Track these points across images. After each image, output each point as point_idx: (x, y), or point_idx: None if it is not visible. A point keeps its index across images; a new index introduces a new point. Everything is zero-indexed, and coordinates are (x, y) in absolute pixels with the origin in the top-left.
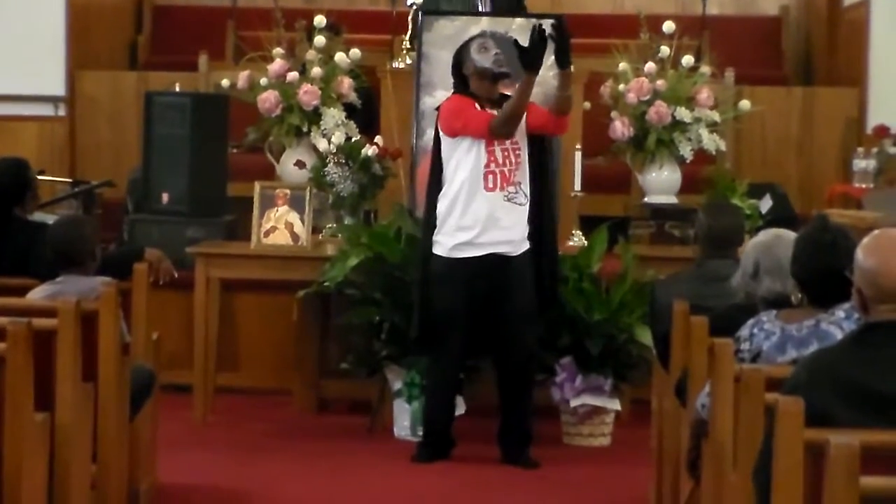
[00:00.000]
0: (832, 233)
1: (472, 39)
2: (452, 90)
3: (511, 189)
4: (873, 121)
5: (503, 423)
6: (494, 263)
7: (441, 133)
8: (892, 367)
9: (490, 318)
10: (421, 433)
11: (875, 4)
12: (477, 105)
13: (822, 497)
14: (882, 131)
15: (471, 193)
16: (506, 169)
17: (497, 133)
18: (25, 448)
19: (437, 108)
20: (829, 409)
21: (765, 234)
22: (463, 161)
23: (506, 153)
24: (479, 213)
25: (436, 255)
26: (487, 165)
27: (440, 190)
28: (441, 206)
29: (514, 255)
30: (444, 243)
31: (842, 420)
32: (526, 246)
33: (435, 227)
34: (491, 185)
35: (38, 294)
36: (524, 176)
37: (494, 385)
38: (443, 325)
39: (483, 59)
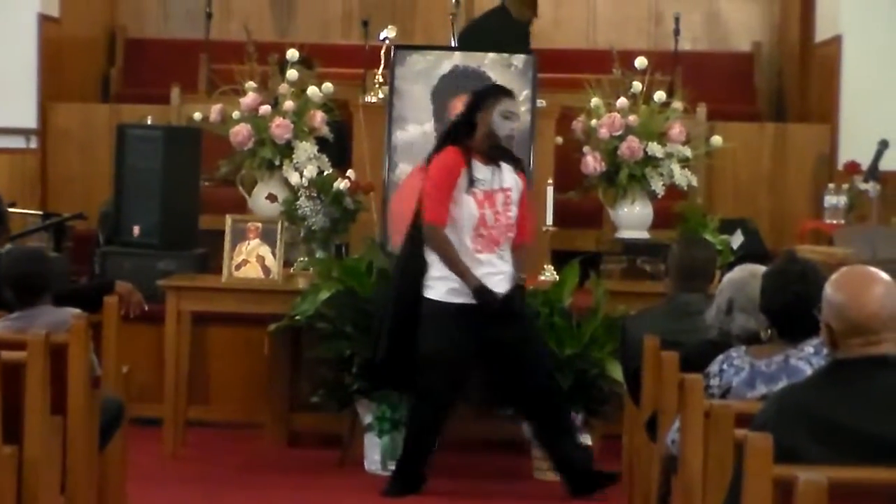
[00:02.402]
0: (801, 264)
1: (501, 93)
2: (450, 135)
3: (501, 249)
4: (844, 157)
5: (560, 455)
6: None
7: None
8: (861, 404)
9: (499, 360)
10: (392, 467)
11: (847, 41)
12: (463, 175)
13: None
14: (853, 168)
15: (461, 254)
16: (494, 231)
17: (423, 235)
18: None
19: (438, 146)
20: (798, 445)
21: (740, 271)
22: (454, 217)
23: (497, 215)
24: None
25: (428, 298)
26: (476, 228)
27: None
28: (433, 257)
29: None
30: (437, 287)
31: (811, 456)
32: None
33: (421, 269)
34: (480, 248)
35: (2, 326)
36: (511, 235)
37: (464, 420)
38: (436, 368)
39: (502, 126)
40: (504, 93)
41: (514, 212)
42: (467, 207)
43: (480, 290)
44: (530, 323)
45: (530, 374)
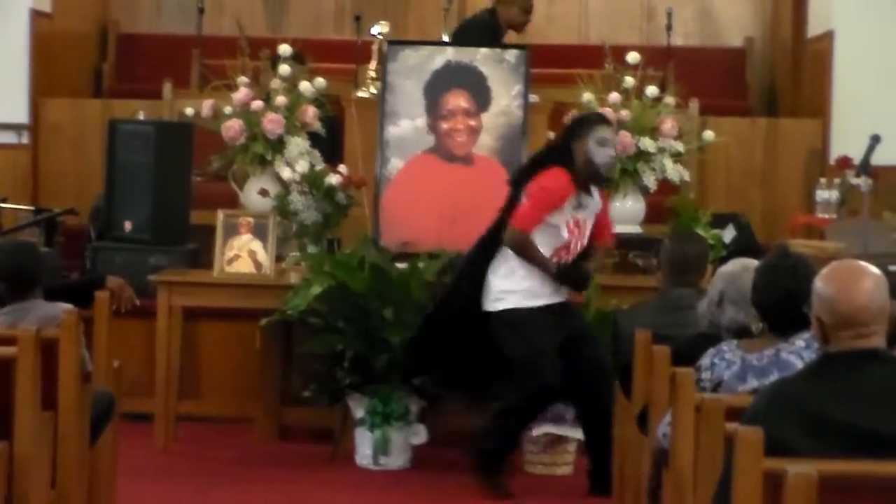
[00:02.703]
0: (792, 259)
1: (596, 120)
2: (548, 158)
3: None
4: (836, 152)
5: (599, 454)
6: (562, 307)
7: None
8: (851, 397)
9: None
10: (383, 461)
11: (839, 36)
12: (570, 200)
13: None
14: (845, 162)
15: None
16: (571, 257)
17: (505, 242)
18: None
19: (535, 164)
20: (789, 438)
21: (732, 264)
22: (541, 238)
23: (579, 240)
24: (545, 286)
25: (506, 309)
26: (558, 250)
27: (496, 245)
28: (503, 268)
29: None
30: (511, 297)
31: (801, 450)
32: None
33: (482, 282)
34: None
35: None
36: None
37: (455, 414)
38: (536, 369)
39: (598, 154)
40: (599, 120)
41: (588, 235)
42: (561, 231)
43: (561, 271)
44: (587, 324)
45: (587, 371)
